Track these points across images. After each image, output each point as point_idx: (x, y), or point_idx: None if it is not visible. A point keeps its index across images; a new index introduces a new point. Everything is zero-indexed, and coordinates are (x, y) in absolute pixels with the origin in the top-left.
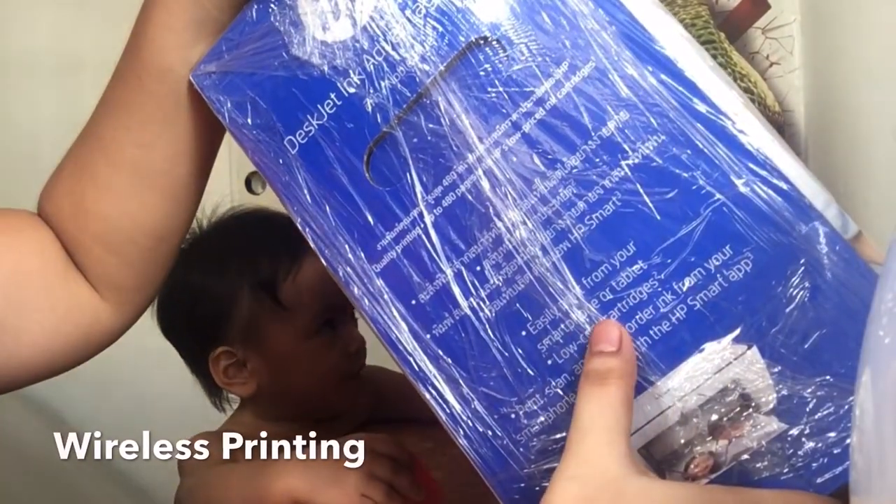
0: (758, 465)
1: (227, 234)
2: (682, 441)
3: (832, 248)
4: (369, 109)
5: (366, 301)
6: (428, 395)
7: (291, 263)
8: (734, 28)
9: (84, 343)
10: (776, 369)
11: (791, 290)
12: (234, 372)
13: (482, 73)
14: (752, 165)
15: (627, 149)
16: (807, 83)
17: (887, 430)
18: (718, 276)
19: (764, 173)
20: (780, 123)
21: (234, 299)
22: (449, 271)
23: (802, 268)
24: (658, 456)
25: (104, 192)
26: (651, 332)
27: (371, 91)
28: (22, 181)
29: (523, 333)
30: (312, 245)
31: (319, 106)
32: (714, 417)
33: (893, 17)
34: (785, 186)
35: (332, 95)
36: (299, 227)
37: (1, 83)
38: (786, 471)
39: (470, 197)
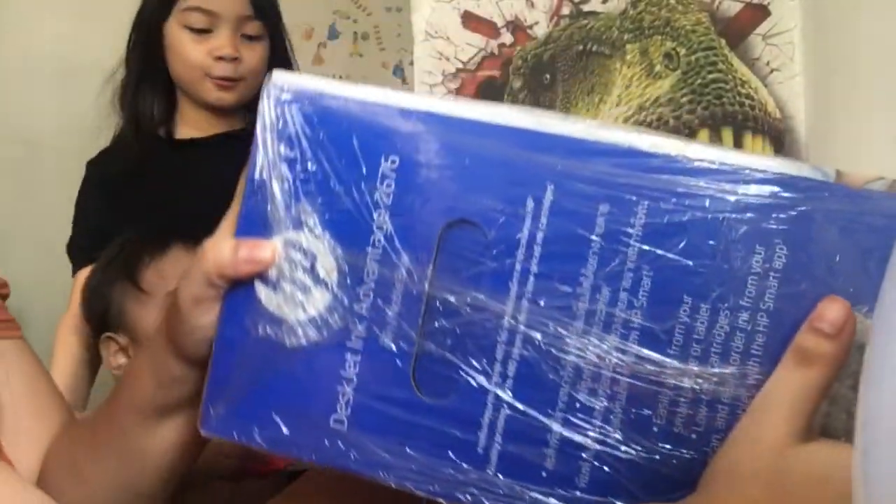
0: None
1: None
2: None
3: (833, 194)
4: (391, 348)
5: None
6: None
7: (156, 250)
8: (735, 35)
9: None
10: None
11: (825, 244)
12: (122, 358)
13: (465, 252)
14: (725, 179)
15: (626, 230)
16: (807, 89)
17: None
18: (769, 273)
19: (738, 177)
20: (781, 130)
21: (111, 288)
22: (555, 426)
23: (823, 225)
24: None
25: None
26: (753, 353)
27: (381, 330)
28: (22, 183)
29: (655, 429)
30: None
31: (342, 371)
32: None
33: (893, 23)
34: (760, 175)
35: (347, 356)
36: (383, 482)
37: (1, 86)
38: None
39: (528, 353)
